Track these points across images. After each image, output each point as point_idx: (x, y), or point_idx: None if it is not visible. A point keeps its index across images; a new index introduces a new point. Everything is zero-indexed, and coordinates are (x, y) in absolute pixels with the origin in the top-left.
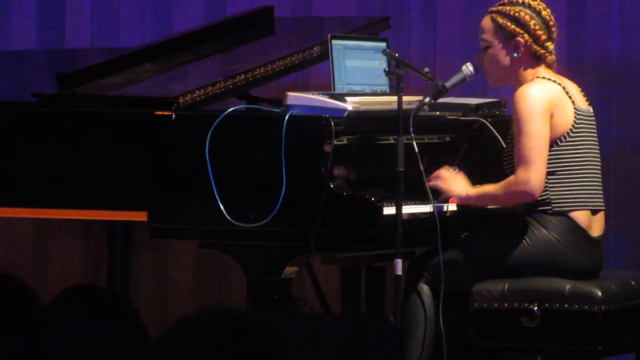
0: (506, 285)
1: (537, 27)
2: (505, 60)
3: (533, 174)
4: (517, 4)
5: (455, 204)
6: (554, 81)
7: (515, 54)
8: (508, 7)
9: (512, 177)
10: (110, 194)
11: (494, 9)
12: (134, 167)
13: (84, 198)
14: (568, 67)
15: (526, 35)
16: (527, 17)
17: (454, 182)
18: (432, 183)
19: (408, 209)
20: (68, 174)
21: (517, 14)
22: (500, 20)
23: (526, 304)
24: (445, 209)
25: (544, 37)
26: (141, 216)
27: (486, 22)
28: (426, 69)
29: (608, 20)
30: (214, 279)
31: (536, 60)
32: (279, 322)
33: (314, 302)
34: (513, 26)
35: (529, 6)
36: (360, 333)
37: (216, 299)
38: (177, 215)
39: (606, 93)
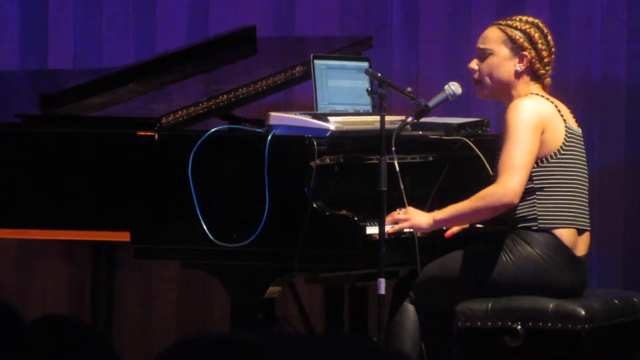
0: (489, 304)
1: (543, 47)
2: (507, 70)
3: (515, 182)
4: (528, 22)
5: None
6: (547, 99)
7: (518, 67)
8: (518, 23)
9: (491, 186)
10: (94, 215)
11: (502, 22)
12: (117, 188)
13: (68, 219)
14: (551, 89)
15: (533, 52)
16: (537, 35)
17: (413, 217)
18: (395, 229)
19: (389, 229)
20: (51, 194)
21: (528, 30)
22: (510, 32)
23: (510, 323)
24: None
25: (547, 59)
26: (124, 236)
27: (493, 32)
28: (409, 89)
29: (590, 42)
30: (198, 298)
31: (534, 78)
32: (262, 341)
33: (297, 321)
34: (523, 40)
35: (538, 27)
36: (343, 353)
37: (200, 318)
38: (160, 235)
39: (589, 114)
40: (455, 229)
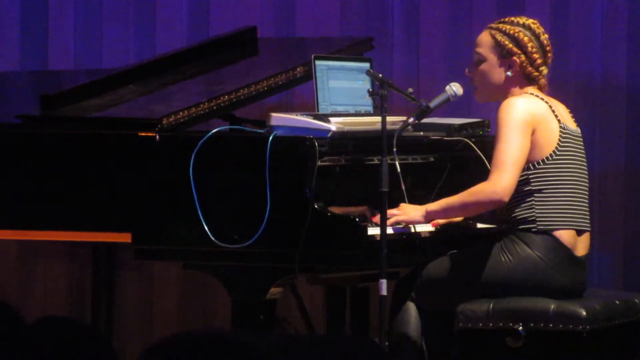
0: (490, 305)
1: (534, 49)
2: (498, 77)
3: (505, 179)
4: (518, 24)
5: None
6: (542, 99)
7: (509, 73)
8: (508, 26)
9: (482, 183)
10: (95, 216)
11: (493, 25)
12: (118, 189)
13: (69, 219)
14: (551, 90)
15: (522, 56)
16: (525, 38)
17: (407, 212)
18: (391, 222)
19: (390, 229)
20: (52, 195)
21: (517, 35)
22: (499, 37)
23: (511, 324)
24: (413, 230)
25: (539, 61)
26: (125, 237)
27: (484, 37)
28: (410, 89)
29: (591, 43)
30: (199, 299)
31: (528, 81)
32: (263, 342)
33: (299, 322)
34: (511, 45)
35: (529, 28)
36: (344, 354)
37: (201, 319)
38: (161, 236)
39: (589, 114)
40: (441, 221)
